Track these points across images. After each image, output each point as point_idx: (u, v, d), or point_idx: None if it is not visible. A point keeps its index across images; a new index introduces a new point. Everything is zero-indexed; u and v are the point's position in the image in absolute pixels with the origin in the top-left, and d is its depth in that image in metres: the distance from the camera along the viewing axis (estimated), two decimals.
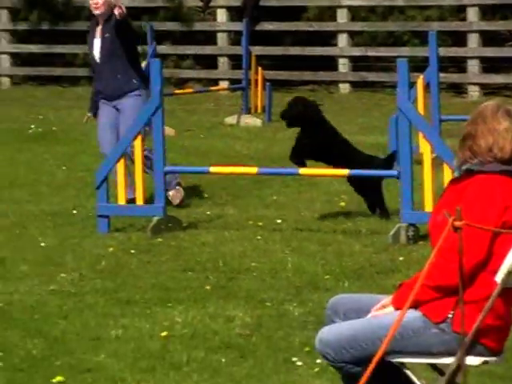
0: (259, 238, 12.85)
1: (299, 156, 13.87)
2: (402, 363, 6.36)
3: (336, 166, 13.79)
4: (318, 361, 7.86)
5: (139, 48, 15.68)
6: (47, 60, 30.87)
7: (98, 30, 14.44)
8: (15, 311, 10.07)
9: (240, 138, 21.18)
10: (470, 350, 6.12)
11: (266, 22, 28.70)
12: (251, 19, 25.96)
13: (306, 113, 13.81)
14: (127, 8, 24.28)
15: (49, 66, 30.75)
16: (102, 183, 13.39)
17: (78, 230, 13.47)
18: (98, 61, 14.35)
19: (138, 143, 13.34)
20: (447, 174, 11.93)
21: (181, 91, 23.67)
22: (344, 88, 28.63)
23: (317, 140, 13.77)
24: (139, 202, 13.39)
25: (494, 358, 6.41)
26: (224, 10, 30.03)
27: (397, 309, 6.29)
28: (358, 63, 28.89)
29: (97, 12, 14.47)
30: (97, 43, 14.29)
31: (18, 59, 31.84)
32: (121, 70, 14.17)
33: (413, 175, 12.51)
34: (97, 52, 14.33)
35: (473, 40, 27.08)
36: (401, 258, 11.72)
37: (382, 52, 28.62)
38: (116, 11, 14.02)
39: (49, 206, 14.93)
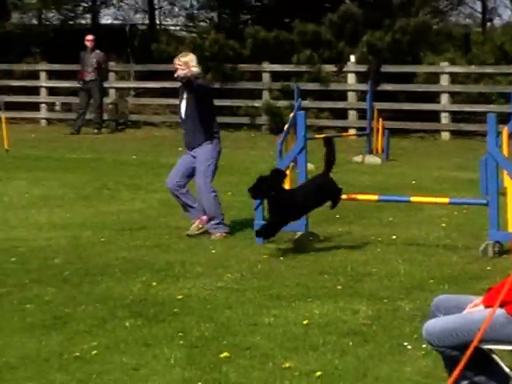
0: (379, 249, 12.78)
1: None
2: (491, 350, 6.44)
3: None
4: (424, 345, 7.78)
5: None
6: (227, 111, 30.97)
7: (185, 92, 14.13)
8: (192, 302, 10.09)
9: (364, 172, 21.15)
10: None
11: (385, 84, 28.71)
12: (374, 81, 25.93)
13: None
14: (280, 71, 24.20)
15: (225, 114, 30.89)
16: (259, 206, 13.32)
17: (240, 241, 13.42)
18: (183, 118, 14.21)
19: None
20: None
21: (319, 136, 23.57)
22: (445, 136, 28.99)
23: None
24: None
25: None
26: (353, 75, 30.10)
27: (486, 307, 6.39)
28: (456, 116, 29.21)
29: (176, 75, 14.05)
30: (183, 104, 14.08)
31: None
32: (198, 128, 13.92)
33: (498, 204, 12.40)
34: (182, 112, 14.16)
35: None
36: (488, 268, 11.58)
37: (476, 108, 28.75)
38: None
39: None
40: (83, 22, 42.12)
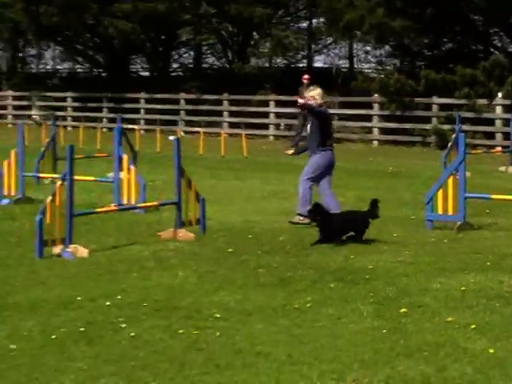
0: None
1: None
2: None
3: None
4: None
5: None
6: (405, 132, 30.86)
7: (309, 116, 14.35)
8: (380, 271, 10.05)
9: (507, 179, 20.77)
10: None
11: None
12: None
13: None
14: (445, 103, 23.80)
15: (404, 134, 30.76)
16: (430, 200, 13.22)
17: (413, 228, 13.33)
18: (308, 133, 14.10)
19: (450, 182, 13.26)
20: None
21: (474, 152, 23.26)
22: None
23: None
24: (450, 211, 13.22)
25: None
26: (500, 107, 29.57)
27: None
28: None
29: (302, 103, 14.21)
30: (309, 124, 14.03)
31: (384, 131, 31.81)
32: (315, 142, 13.68)
33: None
34: (308, 129, 14.07)
35: None
36: None
37: None
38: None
39: (394, 212, 14.85)
40: (301, 65, 42.38)
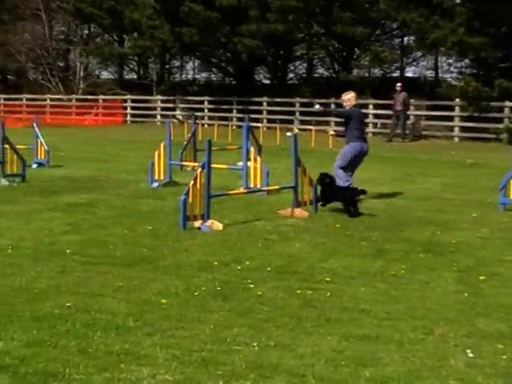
0: None
1: None
2: None
3: None
4: None
5: None
6: (481, 130, 30.19)
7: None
8: (461, 245, 9.92)
9: None
10: None
11: None
12: None
13: None
14: None
15: (480, 132, 30.09)
16: (504, 186, 12.90)
17: (489, 209, 13.02)
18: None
19: None
20: None
21: None
22: None
23: None
24: None
25: None
26: None
27: None
28: None
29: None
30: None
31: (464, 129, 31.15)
32: (346, 136, 13.72)
33: None
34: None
35: None
36: None
37: None
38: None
39: (472, 196, 14.55)
40: (394, 74, 41.86)
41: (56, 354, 5.77)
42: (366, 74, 42.08)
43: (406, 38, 41.21)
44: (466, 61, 36.12)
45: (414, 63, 44.01)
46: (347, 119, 13.65)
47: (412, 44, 38.86)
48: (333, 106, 31.77)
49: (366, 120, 33.58)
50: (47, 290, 7.55)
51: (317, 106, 14.98)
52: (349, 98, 13.83)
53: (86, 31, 51.10)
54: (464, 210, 12.85)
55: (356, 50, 39.02)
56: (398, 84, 30.71)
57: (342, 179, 13.30)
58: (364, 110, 33.53)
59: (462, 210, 12.83)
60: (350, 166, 13.63)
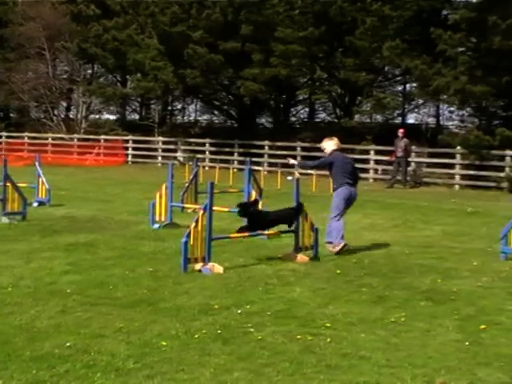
0: None
1: None
2: None
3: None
4: None
5: None
6: (482, 178, 30.29)
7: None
8: (462, 293, 9.94)
9: None
10: None
11: None
12: None
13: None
14: None
15: (481, 180, 30.18)
16: (504, 235, 12.92)
17: (490, 258, 13.02)
18: None
19: None
20: None
21: None
22: None
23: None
24: None
25: None
26: None
27: None
28: None
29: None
30: None
31: (464, 177, 31.25)
32: (333, 183, 13.62)
33: None
34: None
35: None
36: None
37: None
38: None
39: (473, 245, 14.58)
40: (396, 121, 42.10)
41: None
42: (368, 120, 42.35)
43: (408, 85, 41.53)
44: (468, 109, 36.35)
45: (416, 110, 44.31)
46: (330, 166, 13.48)
47: (414, 91, 39.13)
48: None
49: (367, 166, 33.78)
50: (47, 329, 7.58)
51: (291, 161, 14.60)
52: (325, 145, 13.76)
53: (90, 71, 51.44)
54: (465, 258, 12.88)
55: (358, 95, 39.28)
56: (400, 130, 30.91)
57: (338, 232, 13.18)
58: (365, 156, 33.80)
59: (462, 258, 12.86)
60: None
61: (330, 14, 34.24)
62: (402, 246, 14.12)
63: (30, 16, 46.84)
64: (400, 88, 42.76)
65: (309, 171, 31.22)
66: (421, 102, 42.33)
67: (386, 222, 17.96)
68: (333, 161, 13.45)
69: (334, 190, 13.51)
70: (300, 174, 29.23)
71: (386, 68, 39.16)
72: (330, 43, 35.61)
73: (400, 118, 42.26)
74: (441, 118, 43.30)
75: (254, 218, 12.19)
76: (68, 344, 7.05)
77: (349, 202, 13.58)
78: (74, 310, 8.42)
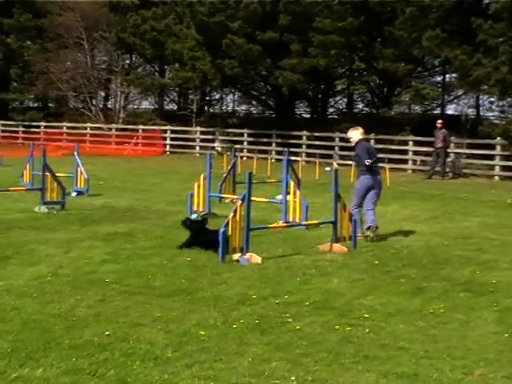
0: None
1: None
2: None
3: None
4: None
5: None
6: None
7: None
8: (501, 285, 9.87)
9: None
10: None
11: None
12: None
13: None
14: None
15: None
16: None
17: None
18: None
19: None
20: None
21: None
22: None
23: None
24: None
25: None
26: None
27: None
28: None
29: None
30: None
31: (504, 168, 30.93)
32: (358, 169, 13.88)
33: None
34: None
35: None
36: None
37: None
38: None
39: None
40: (435, 112, 41.80)
41: (95, 382, 5.87)
42: (407, 111, 42.10)
43: (447, 75, 41.23)
44: (509, 99, 35.98)
45: (456, 101, 43.96)
46: (360, 156, 13.72)
47: (454, 81, 38.85)
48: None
49: (405, 157, 33.60)
50: (86, 318, 7.66)
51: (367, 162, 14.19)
52: (351, 134, 14.16)
53: (128, 61, 51.70)
54: (504, 250, 12.76)
55: (397, 86, 39.05)
56: (439, 121, 30.68)
57: (368, 219, 13.48)
58: (404, 147, 33.61)
59: (502, 250, 12.75)
60: (367, 201, 13.62)
61: (369, 4, 34.03)
62: (440, 238, 14.03)
63: (69, 6, 47.17)
64: (439, 78, 42.49)
65: (347, 162, 31.18)
66: (460, 92, 41.99)
67: (424, 213, 17.85)
68: (364, 153, 13.68)
69: (358, 177, 13.87)
70: (338, 164, 29.17)
71: (426, 58, 38.82)
72: (368, 33, 35.40)
73: (439, 109, 41.98)
74: (481, 108, 42.96)
75: (197, 234, 12.04)
76: (107, 332, 7.12)
77: (370, 190, 13.65)
78: (112, 298, 8.50)
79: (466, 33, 31.68)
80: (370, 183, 13.57)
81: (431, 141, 30.97)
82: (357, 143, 13.94)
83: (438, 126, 30.38)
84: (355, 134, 14.05)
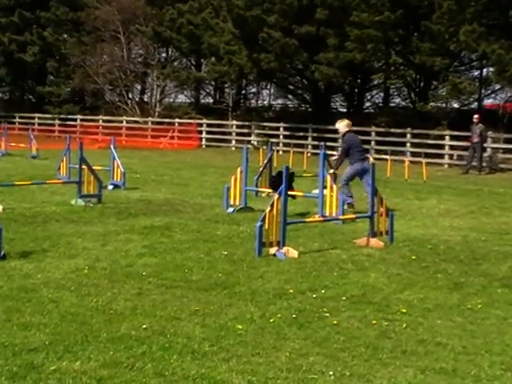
0: None
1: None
2: None
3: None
4: None
5: None
6: None
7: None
8: None
9: None
10: None
11: None
12: None
13: None
14: None
15: None
16: None
17: None
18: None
19: None
20: None
21: None
22: None
23: None
24: None
25: None
26: None
27: None
28: None
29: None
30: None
31: None
32: (349, 160, 16.33)
33: None
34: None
35: None
36: None
37: None
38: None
39: None
40: (472, 106, 41.45)
41: (133, 376, 5.87)
42: (443, 105, 41.77)
43: (485, 70, 40.83)
44: None
45: (493, 95, 43.57)
46: (349, 148, 16.04)
47: (491, 76, 38.46)
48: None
49: (442, 151, 33.38)
50: (124, 311, 7.68)
51: (331, 171, 16.16)
52: (338, 126, 16.49)
53: (164, 54, 51.89)
54: None
55: (434, 80, 38.76)
56: (475, 116, 30.43)
57: (346, 194, 15.53)
58: (440, 142, 33.38)
59: None
60: (365, 183, 15.67)
61: None
62: (478, 233, 13.91)
63: None
64: (476, 73, 42.10)
65: (383, 156, 31.04)
66: (498, 87, 41.56)
67: (461, 209, 17.71)
68: (350, 144, 16.06)
69: (351, 164, 16.09)
70: (375, 159, 29.02)
71: (463, 53, 38.51)
72: (405, 27, 35.19)
73: (476, 104, 41.60)
74: None
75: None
76: (144, 326, 7.13)
77: (361, 173, 15.86)
78: (149, 292, 8.52)
79: (504, 27, 31.38)
80: (362, 168, 15.80)
81: (468, 135, 30.75)
82: (344, 134, 16.21)
83: (475, 120, 30.13)
84: (342, 126, 16.30)
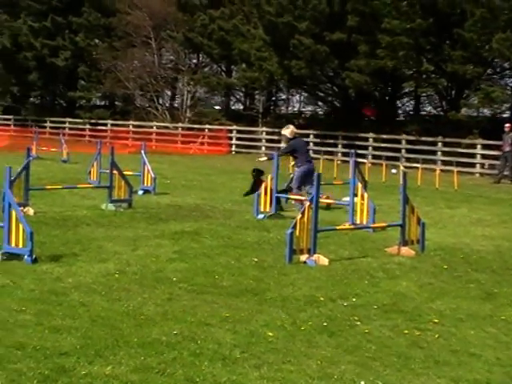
0: None
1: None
2: None
3: None
4: None
5: None
6: None
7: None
8: None
9: None
10: None
11: None
12: None
13: None
14: None
15: None
16: None
17: None
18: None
19: None
20: None
21: None
22: None
23: None
24: None
25: None
26: None
27: None
28: None
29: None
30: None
31: None
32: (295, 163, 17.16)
33: None
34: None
35: None
36: None
37: None
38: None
39: None
40: (504, 115, 41.07)
41: (163, 381, 5.86)
42: (475, 114, 41.46)
43: None
44: None
45: None
46: (293, 151, 16.78)
47: None
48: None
49: (473, 160, 33.12)
50: (154, 316, 7.69)
51: (262, 159, 18.29)
52: (284, 132, 17.12)
53: (195, 60, 52.00)
54: None
55: (465, 88, 38.51)
56: (507, 125, 30.13)
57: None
58: (472, 151, 33.11)
59: None
60: (306, 183, 16.48)
61: (438, 5, 33.62)
62: (510, 243, 13.78)
63: (137, 5, 47.68)
64: (509, 81, 41.72)
65: (414, 164, 30.88)
66: None
67: (493, 218, 17.56)
68: (296, 146, 16.83)
69: (298, 167, 16.79)
70: (405, 167, 28.87)
71: (495, 61, 38.21)
72: (437, 35, 34.99)
73: (508, 112, 41.22)
74: None
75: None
76: (175, 331, 7.13)
77: (309, 175, 16.17)
78: (180, 297, 8.52)
79: None
80: (308, 169, 16.51)
81: (500, 144, 30.48)
82: (289, 140, 16.91)
83: (506, 129, 29.86)
84: (288, 133, 16.98)
